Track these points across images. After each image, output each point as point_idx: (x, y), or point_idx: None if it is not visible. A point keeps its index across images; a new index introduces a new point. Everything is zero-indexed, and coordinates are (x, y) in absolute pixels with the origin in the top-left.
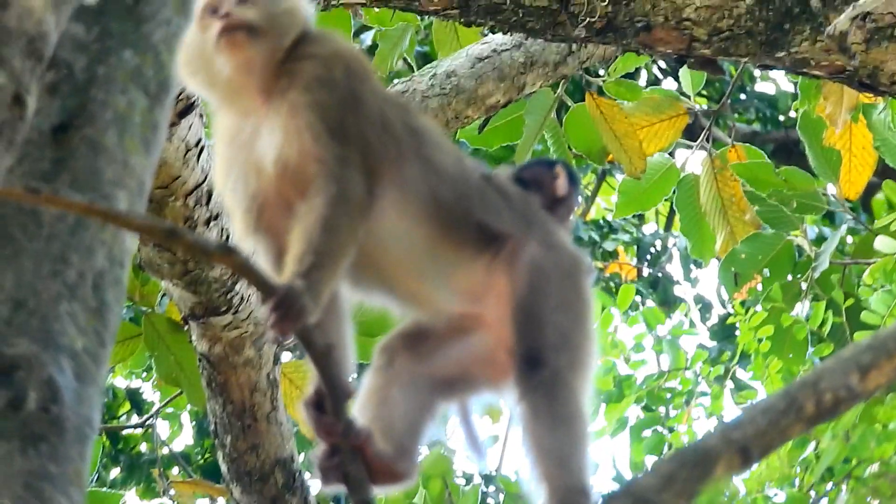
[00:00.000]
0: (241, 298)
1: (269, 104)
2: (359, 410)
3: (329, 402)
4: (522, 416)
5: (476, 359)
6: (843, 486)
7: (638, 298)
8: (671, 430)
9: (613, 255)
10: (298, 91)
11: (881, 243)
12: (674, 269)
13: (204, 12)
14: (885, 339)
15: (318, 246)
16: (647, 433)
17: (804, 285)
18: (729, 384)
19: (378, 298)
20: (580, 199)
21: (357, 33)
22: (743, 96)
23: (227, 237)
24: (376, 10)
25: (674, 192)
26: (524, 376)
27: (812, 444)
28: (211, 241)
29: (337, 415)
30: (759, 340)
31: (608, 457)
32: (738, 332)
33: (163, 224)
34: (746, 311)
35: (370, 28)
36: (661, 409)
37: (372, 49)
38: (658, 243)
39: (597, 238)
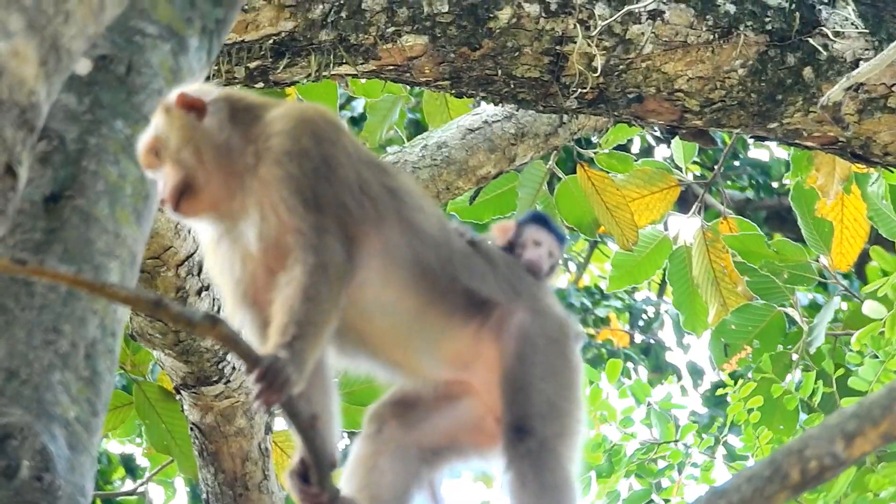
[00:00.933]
0: (233, 368)
1: (244, 191)
2: (347, 478)
3: (314, 472)
4: (510, 485)
5: (464, 426)
6: None
7: (630, 365)
8: (666, 501)
9: (605, 321)
10: (268, 166)
11: (869, 308)
12: (666, 335)
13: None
14: (870, 406)
15: (300, 316)
16: None
17: (795, 356)
18: (721, 450)
19: (364, 366)
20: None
21: (344, 103)
22: (736, 163)
23: (219, 308)
24: (363, 81)
25: (666, 265)
26: (511, 445)
27: None
28: (197, 312)
29: (322, 485)
30: (749, 411)
31: None
32: (729, 400)
33: (148, 295)
34: (736, 382)
35: (357, 97)
36: (654, 481)
37: (361, 118)
38: (650, 309)
39: (589, 304)
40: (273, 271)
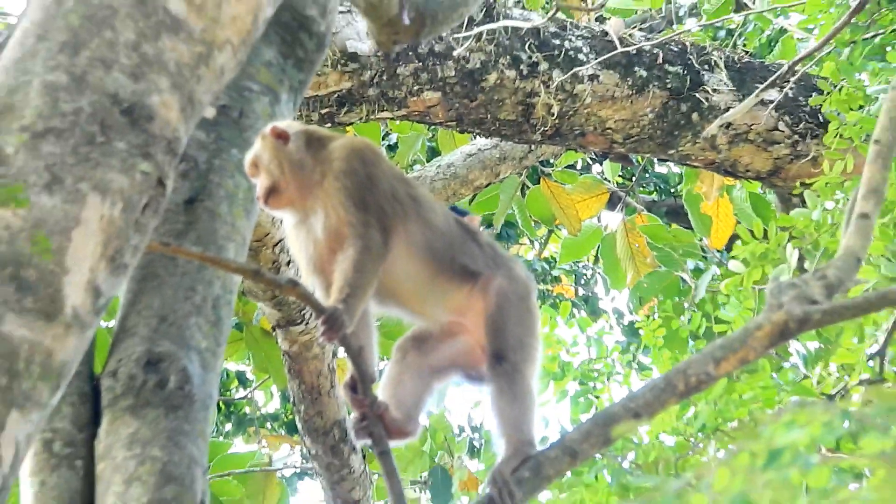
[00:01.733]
0: (310, 314)
1: (313, 195)
2: (382, 389)
3: (360, 386)
4: (490, 394)
5: (460, 353)
6: (712, 437)
7: (575, 310)
8: (597, 398)
9: (558, 280)
10: (330, 181)
11: (733, 265)
12: (598, 289)
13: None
14: (731, 339)
15: (351, 280)
16: (582, 400)
17: (686, 305)
18: (635, 365)
19: (395, 312)
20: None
21: (384, 136)
22: (646, 175)
23: (299, 275)
24: (398, 122)
25: (599, 245)
26: (492, 367)
27: (692, 409)
28: (283, 277)
29: (365, 393)
30: (657, 339)
31: (555, 418)
32: (641, 332)
33: (251, 267)
34: (647, 318)
35: (392, 133)
36: (591, 384)
37: (395, 146)
38: (588, 272)
39: (547, 268)
40: (333, 251)
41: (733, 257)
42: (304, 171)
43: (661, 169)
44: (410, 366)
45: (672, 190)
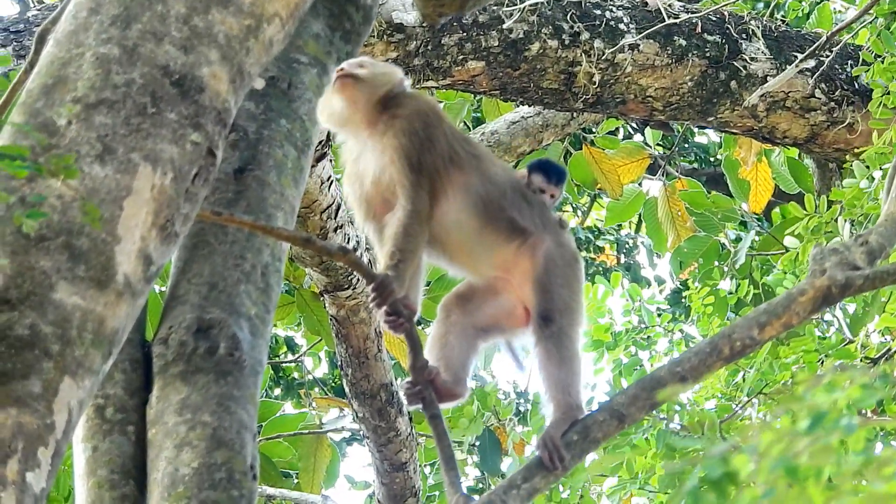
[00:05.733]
0: (357, 280)
1: (372, 137)
2: (429, 351)
3: (411, 353)
4: (538, 356)
5: (503, 312)
6: (756, 400)
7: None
8: (640, 366)
9: (601, 249)
10: (390, 137)
11: (788, 241)
12: (641, 258)
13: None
14: (775, 304)
15: (401, 246)
16: (636, 369)
17: (726, 269)
18: (679, 334)
19: (441, 264)
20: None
21: None
22: (686, 145)
23: (348, 241)
24: (444, 91)
25: (641, 210)
26: (539, 329)
27: (741, 374)
28: (333, 245)
29: (416, 359)
30: (705, 306)
31: (607, 385)
32: (684, 300)
33: (301, 234)
34: (688, 288)
35: (440, 101)
36: (636, 351)
37: None
38: (631, 241)
39: (591, 238)
40: (386, 199)
41: (789, 233)
42: (374, 111)
43: (701, 139)
44: (455, 325)
45: (712, 159)
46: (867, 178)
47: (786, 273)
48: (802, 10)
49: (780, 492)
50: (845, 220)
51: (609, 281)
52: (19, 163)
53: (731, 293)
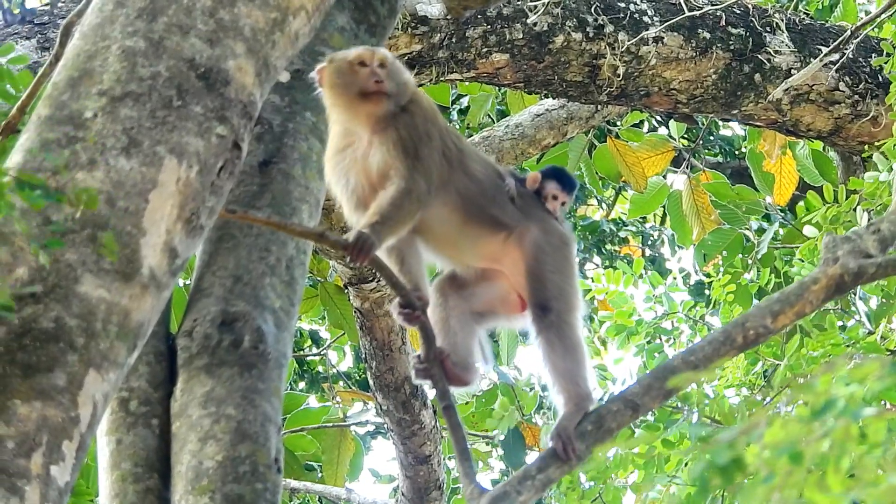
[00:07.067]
0: None
1: (376, 134)
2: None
3: (424, 336)
4: (541, 348)
5: (498, 298)
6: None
7: (642, 270)
8: (659, 353)
9: (626, 241)
10: (394, 130)
11: (807, 230)
12: (665, 250)
13: (355, 62)
14: (788, 293)
15: (384, 211)
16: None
17: (749, 261)
18: (703, 323)
19: (431, 256)
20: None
21: (455, 99)
22: (711, 138)
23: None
24: (467, 83)
25: (665, 202)
26: (538, 318)
27: (760, 363)
28: (342, 239)
29: (428, 339)
30: (726, 294)
31: (627, 372)
32: (707, 291)
33: (314, 229)
34: (714, 274)
35: (464, 95)
36: (659, 340)
37: (466, 109)
38: (655, 234)
39: (615, 230)
40: (376, 189)
41: (804, 222)
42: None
43: (725, 131)
44: (454, 310)
45: (736, 152)
46: (887, 169)
47: (804, 262)
48: (825, 3)
49: (782, 478)
50: (864, 211)
51: (631, 267)
52: (38, 192)
53: (752, 281)
